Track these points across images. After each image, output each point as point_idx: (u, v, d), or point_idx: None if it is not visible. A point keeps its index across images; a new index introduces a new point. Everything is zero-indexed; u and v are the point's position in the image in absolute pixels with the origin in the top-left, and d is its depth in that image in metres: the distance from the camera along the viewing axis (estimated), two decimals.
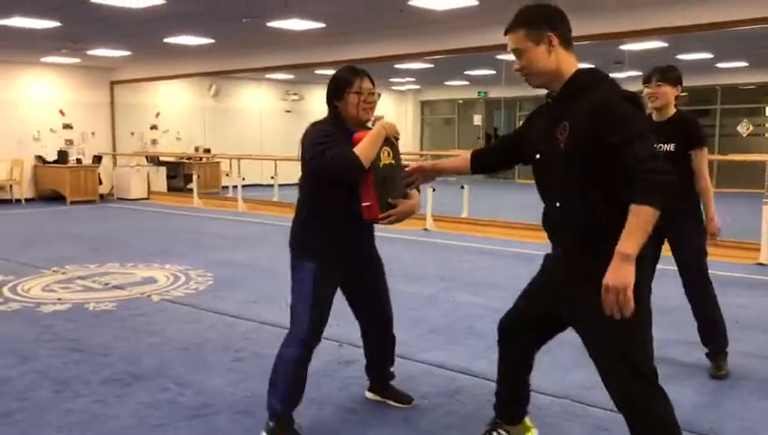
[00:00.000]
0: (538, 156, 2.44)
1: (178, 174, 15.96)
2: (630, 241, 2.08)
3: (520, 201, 13.80)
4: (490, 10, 8.49)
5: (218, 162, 15.92)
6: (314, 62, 11.97)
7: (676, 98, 3.81)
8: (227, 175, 14.67)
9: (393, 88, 21.34)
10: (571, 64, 2.34)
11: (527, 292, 2.68)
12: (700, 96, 16.91)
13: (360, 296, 3.30)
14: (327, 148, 2.83)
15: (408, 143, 22.09)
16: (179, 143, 16.50)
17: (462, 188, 10.37)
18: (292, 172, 16.45)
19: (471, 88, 20.28)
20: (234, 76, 16.19)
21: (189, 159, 15.56)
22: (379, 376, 3.55)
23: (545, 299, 2.53)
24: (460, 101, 21.50)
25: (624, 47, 12.21)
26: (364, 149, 2.85)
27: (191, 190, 14.18)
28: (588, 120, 2.21)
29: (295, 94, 18.78)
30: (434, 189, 9.80)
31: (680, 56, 13.43)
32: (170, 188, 15.58)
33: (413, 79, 19.20)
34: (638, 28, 9.15)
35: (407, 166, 2.99)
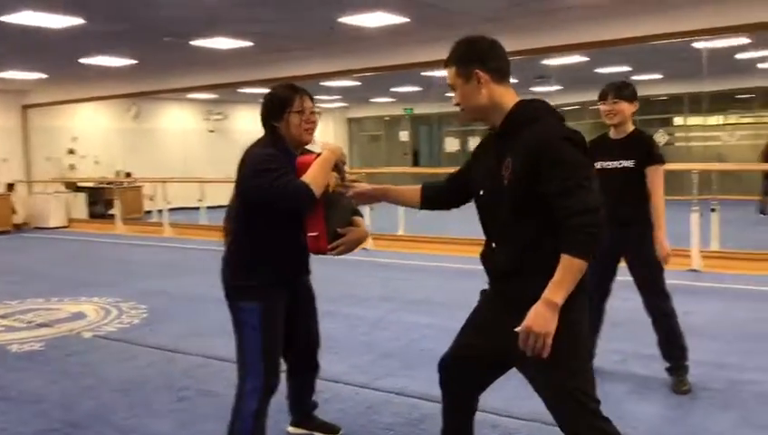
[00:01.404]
0: (482, 192, 2.35)
1: (99, 200, 15.29)
2: (559, 290, 2.05)
3: (456, 215, 13.89)
4: (421, 27, 8.49)
5: (140, 186, 15.35)
6: (241, 81, 11.71)
7: (632, 114, 3.81)
8: (151, 199, 14.15)
9: (319, 105, 21.15)
10: (507, 97, 2.26)
11: (465, 329, 2.53)
12: None
13: (294, 327, 3.00)
14: (276, 176, 2.60)
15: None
16: (98, 168, 15.81)
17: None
18: (220, 194, 16.04)
19: (397, 105, 20.36)
20: (154, 97, 15.69)
21: (110, 183, 14.95)
22: (303, 407, 3.33)
23: (484, 337, 2.40)
24: (387, 118, 21.56)
25: (546, 62, 12.46)
26: (315, 177, 2.62)
27: (113, 216, 13.61)
28: (527, 160, 2.14)
29: (218, 114, 18.37)
30: (371, 208, 9.67)
31: (599, 70, 13.84)
32: (91, 215, 14.91)
33: (340, 96, 19.12)
34: (560, 43, 9.37)
35: (349, 185, 2.81)
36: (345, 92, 17.54)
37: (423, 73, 13.16)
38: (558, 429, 3.31)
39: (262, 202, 2.67)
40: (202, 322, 5.74)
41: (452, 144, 20.77)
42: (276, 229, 2.77)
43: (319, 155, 2.73)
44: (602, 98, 3.83)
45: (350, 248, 2.82)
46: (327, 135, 22.13)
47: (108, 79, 12.53)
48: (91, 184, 15.28)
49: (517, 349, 2.27)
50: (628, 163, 3.77)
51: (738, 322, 5.37)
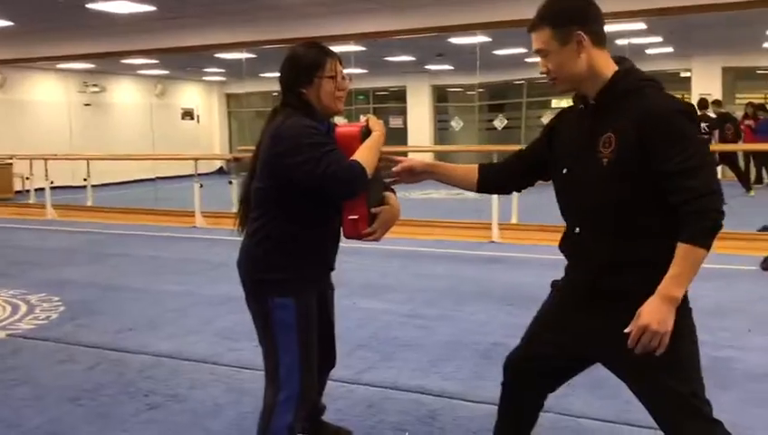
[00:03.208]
0: (565, 171, 2.10)
1: None
2: (679, 284, 1.85)
3: None
4: None
5: (9, 164, 13.92)
6: (134, 50, 10.80)
7: None
8: (27, 178, 12.81)
9: (204, 79, 20.15)
10: (606, 64, 2.03)
11: (538, 326, 2.29)
12: (512, 91, 17.96)
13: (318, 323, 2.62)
14: (325, 153, 2.25)
15: (215, 138, 21.04)
16: None
17: None
18: (107, 172, 14.82)
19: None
20: (21, 65, 14.20)
21: None
22: (314, 412, 2.90)
23: (564, 335, 2.17)
24: (275, 94, 20.76)
25: (452, 40, 12.42)
26: (368, 158, 2.30)
27: None
28: (637, 135, 1.91)
29: (95, 86, 16.99)
30: (201, 185, 9.73)
31: (497, 51, 13.97)
32: None
33: (222, 70, 18.23)
34: (462, 23, 9.37)
35: (395, 160, 2.49)
36: (233, 66, 16.65)
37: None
38: (574, 419, 3.23)
39: (303, 183, 2.30)
40: (130, 314, 5.18)
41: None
42: (314, 214, 2.41)
43: (364, 128, 2.40)
44: None
45: (385, 231, 2.50)
46: (211, 111, 21.16)
47: None
48: None
49: (616, 350, 2.06)
50: None
51: None
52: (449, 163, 2.55)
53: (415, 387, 3.63)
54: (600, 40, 2.03)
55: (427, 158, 2.38)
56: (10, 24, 9.63)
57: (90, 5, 8.35)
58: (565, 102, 16.25)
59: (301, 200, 2.36)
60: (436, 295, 5.63)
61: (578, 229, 2.10)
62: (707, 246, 1.84)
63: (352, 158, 2.28)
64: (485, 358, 4.05)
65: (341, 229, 2.48)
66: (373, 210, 2.45)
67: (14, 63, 13.06)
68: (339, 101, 2.46)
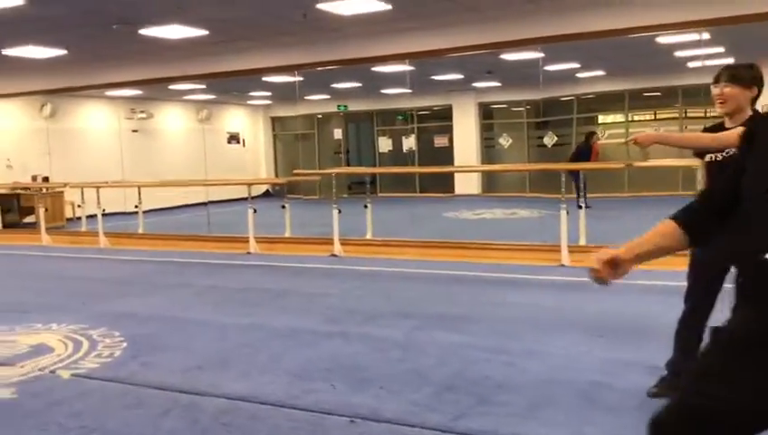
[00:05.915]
0: None
1: (13, 207, 13.81)
2: None
3: (418, 216, 13.32)
4: (401, 16, 7.88)
5: (61, 192, 13.94)
6: (187, 75, 10.71)
7: (753, 101, 3.35)
8: (79, 206, 12.78)
9: (249, 103, 20.14)
10: None
11: (705, 375, 1.85)
12: (558, 107, 17.55)
13: None
14: None
15: (261, 161, 20.98)
16: (11, 172, 14.27)
17: (366, 207, 9.61)
18: (157, 198, 14.78)
19: (330, 102, 19.57)
20: (71, 94, 14.29)
21: (26, 189, 13.52)
22: None
23: (745, 392, 1.81)
24: (319, 116, 20.69)
25: (504, 56, 12.09)
26: None
27: (30, 225, 12.24)
28: None
29: (142, 112, 17.06)
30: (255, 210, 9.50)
31: (548, 67, 13.59)
32: (5, 225, 13.43)
33: (268, 93, 18.16)
34: (516, 38, 9.06)
35: None
36: (278, 88, 16.55)
37: (374, 69, 12.57)
38: None
39: None
40: (196, 350, 4.93)
41: (385, 144, 20.16)
42: None
43: None
44: (715, 81, 3.38)
45: None
46: (257, 134, 21.13)
47: (27, 72, 11.21)
48: (2, 190, 13.76)
49: None
50: None
51: None
52: (635, 240, 2.11)
53: None
54: None
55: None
56: (64, 52, 9.60)
57: (143, 31, 8.24)
58: (611, 118, 15.92)
59: None
60: (516, 326, 5.25)
61: None
62: None
63: None
64: (587, 400, 3.68)
65: None
66: None
67: (65, 92, 13.13)
68: None
